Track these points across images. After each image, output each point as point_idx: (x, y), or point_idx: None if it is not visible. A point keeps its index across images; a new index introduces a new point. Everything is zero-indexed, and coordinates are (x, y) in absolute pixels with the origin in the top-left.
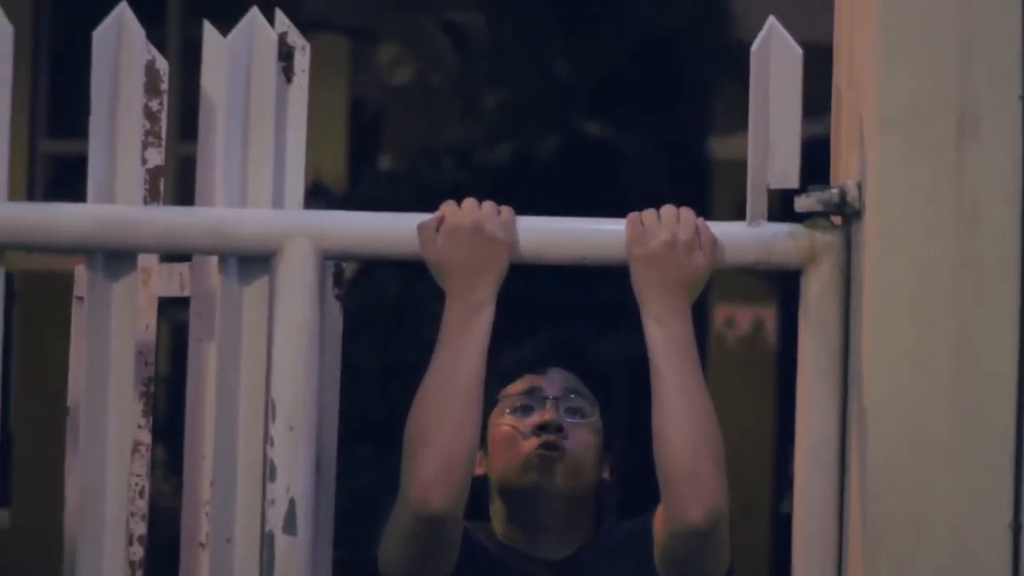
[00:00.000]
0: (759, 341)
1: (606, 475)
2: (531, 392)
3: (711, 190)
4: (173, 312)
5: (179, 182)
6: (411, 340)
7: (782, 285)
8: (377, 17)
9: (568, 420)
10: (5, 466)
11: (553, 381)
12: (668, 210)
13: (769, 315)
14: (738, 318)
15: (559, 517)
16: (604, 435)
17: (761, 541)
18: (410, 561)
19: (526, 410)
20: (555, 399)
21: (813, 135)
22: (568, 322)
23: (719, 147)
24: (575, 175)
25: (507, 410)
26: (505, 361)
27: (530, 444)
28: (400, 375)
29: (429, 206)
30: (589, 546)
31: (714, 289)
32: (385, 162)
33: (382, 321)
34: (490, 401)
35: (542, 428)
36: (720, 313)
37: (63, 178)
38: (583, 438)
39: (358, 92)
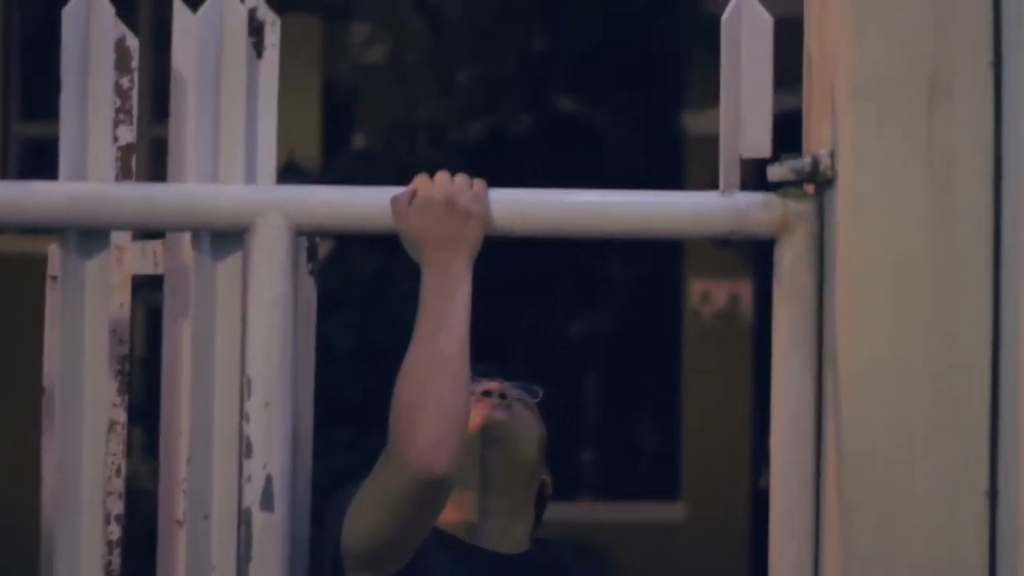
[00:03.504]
0: (735, 316)
1: (546, 478)
2: (478, 384)
3: (686, 164)
4: (147, 290)
5: (151, 164)
6: (386, 321)
7: (757, 259)
8: None
9: (513, 396)
10: None
11: (499, 381)
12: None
13: (745, 290)
14: (714, 293)
15: (503, 483)
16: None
17: (740, 516)
18: (396, 530)
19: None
20: (500, 383)
21: (785, 108)
22: (538, 298)
23: (694, 121)
24: (551, 151)
25: None
26: None
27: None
28: (375, 356)
29: (404, 184)
30: (539, 555)
31: (689, 264)
32: (359, 141)
33: (357, 302)
34: None
35: (485, 394)
36: (695, 288)
37: (36, 161)
38: (527, 414)
39: (331, 71)
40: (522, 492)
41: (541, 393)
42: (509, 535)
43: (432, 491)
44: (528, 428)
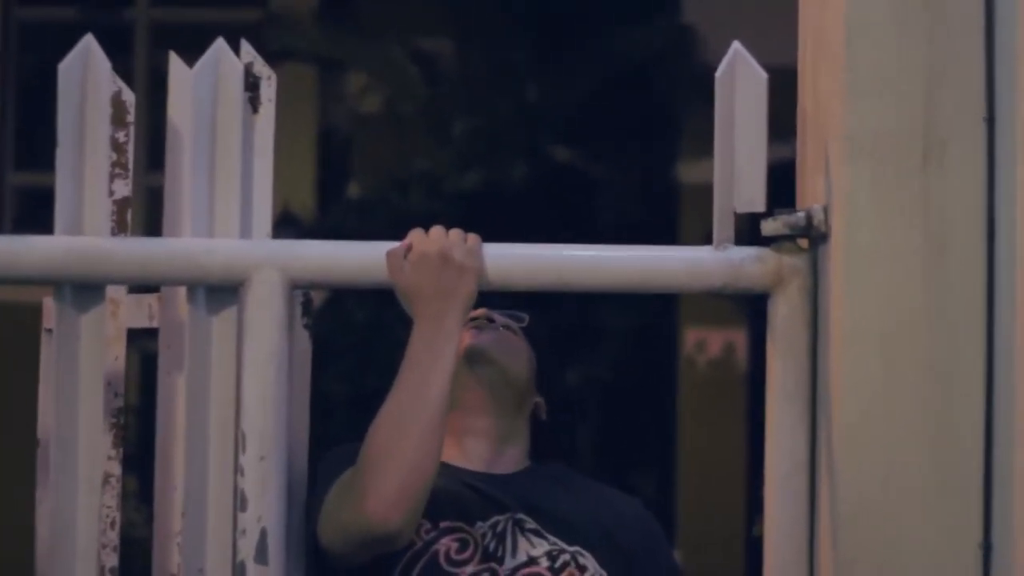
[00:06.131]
0: (730, 364)
1: (539, 400)
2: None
3: (680, 215)
4: (142, 343)
5: (146, 213)
6: (380, 368)
7: (752, 308)
8: (345, 46)
9: (500, 321)
10: None
11: (484, 309)
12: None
13: (740, 338)
14: (709, 341)
15: (495, 405)
16: (536, 374)
17: (734, 564)
18: (350, 553)
19: None
20: (486, 310)
21: (781, 157)
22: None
23: (688, 172)
24: (546, 202)
25: None
26: None
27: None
28: (368, 403)
29: (399, 234)
30: (538, 472)
31: (684, 312)
32: (355, 191)
33: (350, 350)
34: None
35: (472, 320)
36: (690, 336)
37: (31, 210)
38: (514, 337)
39: (327, 121)
40: (514, 413)
41: (527, 318)
42: (504, 456)
43: (382, 542)
44: (516, 349)
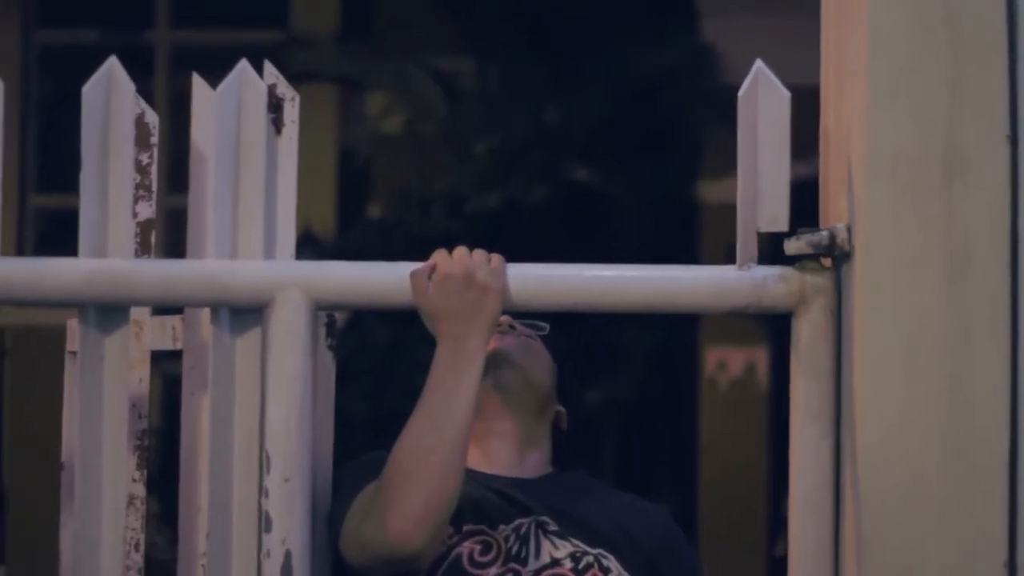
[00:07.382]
0: (751, 383)
1: (561, 409)
2: None
3: (702, 234)
4: (166, 365)
5: (169, 233)
6: (402, 389)
7: (774, 327)
8: (365, 66)
9: (522, 330)
10: None
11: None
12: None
13: (761, 357)
14: (730, 361)
15: (518, 408)
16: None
17: None
18: (371, 568)
19: None
20: (509, 318)
21: (802, 176)
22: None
23: (709, 191)
24: (566, 222)
25: None
26: None
27: None
28: (389, 424)
29: (420, 255)
30: (560, 478)
31: (705, 332)
32: (375, 211)
33: (373, 370)
34: None
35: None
36: (711, 356)
37: (53, 232)
38: (536, 343)
39: (347, 141)
40: (536, 417)
41: (548, 328)
42: (527, 460)
43: (404, 562)
44: (539, 354)
